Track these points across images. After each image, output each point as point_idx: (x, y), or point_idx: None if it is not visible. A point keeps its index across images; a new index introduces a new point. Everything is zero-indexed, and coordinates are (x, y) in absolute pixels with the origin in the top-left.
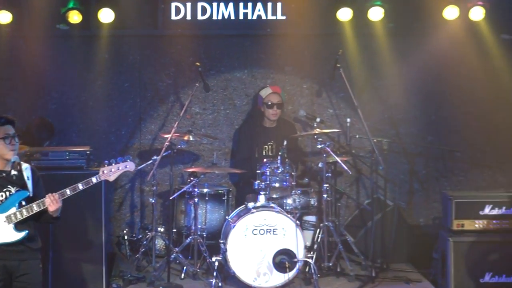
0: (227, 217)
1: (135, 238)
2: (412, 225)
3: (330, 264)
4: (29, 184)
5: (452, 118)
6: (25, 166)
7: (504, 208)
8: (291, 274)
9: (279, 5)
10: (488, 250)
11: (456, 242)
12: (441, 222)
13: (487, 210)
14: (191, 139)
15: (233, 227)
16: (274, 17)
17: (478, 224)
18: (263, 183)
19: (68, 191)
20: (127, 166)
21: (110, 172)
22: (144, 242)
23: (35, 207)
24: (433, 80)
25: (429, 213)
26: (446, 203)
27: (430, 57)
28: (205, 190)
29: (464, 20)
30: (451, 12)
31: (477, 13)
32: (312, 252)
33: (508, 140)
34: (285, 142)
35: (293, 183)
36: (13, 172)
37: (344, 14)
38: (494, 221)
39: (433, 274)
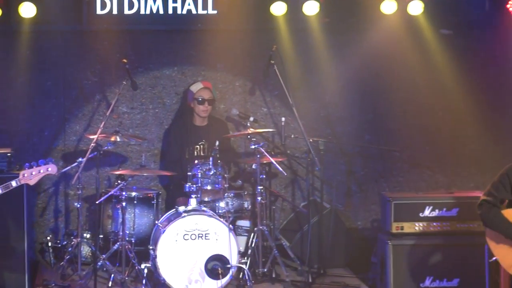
0: (156, 222)
1: (59, 245)
2: (350, 228)
3: (265, 270)
4: None
5: (390, 117)
6: None
7: (444, 209)
8: (224, 281)
9: None
10: (429, 254)
11: (396, 246)
12: (380, 225)
13: (427, 212)
14: (118, 140)
15: (163, 232)
16: (205, 12)
17: (418, 227)
18: (194, 185)
19: None
20: (49, 169)
21: (31, 175)
22: (69, 249)
23: None
24: (371, 77)
25: (367, 216)
26: (385, 205)
27: (367, 53)
28: (134, 194)
29: (402, 15)
30: (389, 7)
31: (416, 8)
32: (246, 258)
33: (448, 139)
34: (217, 142)
35: (225, 186)
36: None
37: (278, 9)
38: (434, 223)
39: (371, 279)
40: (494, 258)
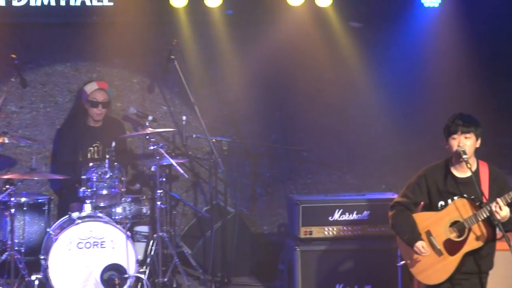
0: (48, 230)
1: None
2: (256, 233)
3: (165, 279)
4: None
5: (298, 114)
6: None
7: (355, 212)
8: None
9: None
10: (339, 259)
11: (304, 252)
12: (287, 230)
13: (337, 216)
14: (6, 141)
15: (55, 240)
16: (100, 3)
17: (328, 231)
18: (89, 190)
19: None
20: None
21: None
22: None
23: None
24: (277, 72)
25: (274, 220)
26: (292, 209)
27: (273, 47)
28: (23, 200)
29: (310, 7)
30: None
31: None
32: (145, 267)
33: (358, 138)
34: (113, 144)
35: (123, 190)
36: None
37: (179, 0)
38: (345, 227)
39: (279, 287)
40: (403, 262)
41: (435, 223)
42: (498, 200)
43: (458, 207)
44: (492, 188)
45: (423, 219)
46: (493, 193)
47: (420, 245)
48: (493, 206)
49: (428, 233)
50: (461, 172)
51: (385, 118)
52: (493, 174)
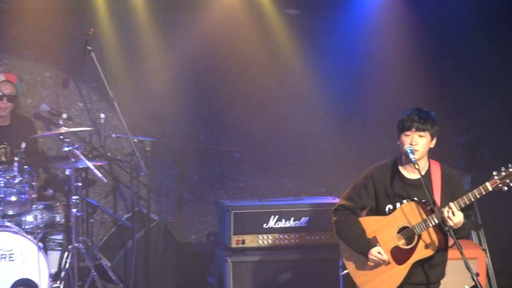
0: None
1: None
2: (182, 243)
3: None
4: None
5: (229, 111)
6: None
7: (292, 219)
8: None
9: None
10: (275, 271)
11: (236, 263)
12: (218, 239)
13: (272, 223)
14: None
15: None
16: None
17: (262, 240)
18: None
19: None
20: None
21: None
22: None
23: None
24: (207, 65)
25: (202, 228)
26: (223, 215)
27: (202, 38)
28: None
29: None
30: None
31: None
32: (59, 282)
33: (296, 137)
34: (23, 145)
35: (33, 196)
36: None
37: None
38: (281, 235)
39: None
40: (345, 272)
41: (381, 229)
42: (451, 204)
43: (406, 212)
44: (445, 190)
45: (368, 224)
46: (445, 197)
47: (377, 251)
48: (445, 211)
49: (374, 240)
50: (410, 173)
51: (326, 115)
52: (445, 175)
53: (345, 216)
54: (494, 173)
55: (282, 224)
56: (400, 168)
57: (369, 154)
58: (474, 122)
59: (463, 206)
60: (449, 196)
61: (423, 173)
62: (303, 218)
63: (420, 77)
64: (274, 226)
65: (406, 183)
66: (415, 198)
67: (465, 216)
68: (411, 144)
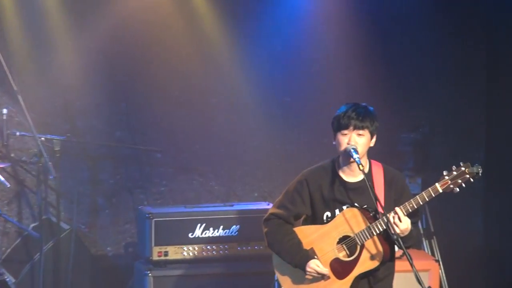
0: None
1: None
2: (97, 255)
3: None
4: None
5: (149, 106)
6: None
7: (221, 227)
8: None
9: None
10: (202, 286)
11: (158, 277)
12: (137, 250)
13: (198, 232)
14: None
15: None
16: None
17: (187, 251)
18: None
19: None
20: None
21: None
22: None
23: None
24: (123, 53)
25: (120, 239)
26: (143, 224)
27: (117, 22)
28: None
29: None
30: None
31: None
32: None
33: (226, 135)
34: None
35: None
36: None
37: None
38: (208, 246)
39: None
40: None
41: (319, 240)
42: (397, 209)
43: (347, 219)
44: (389, 194)
45: (304, 234)
46: (389, 201)
47: (315, 264)
48: (391, 217)
49: (312, 252)
50: (350, 176)
51: (259, 110)
52: (389, 177)
53: (278, 226)
54: (445, 172)
55: (210, 233)
56: (339, 171)
57: (307, 154)
58: (424, 118)
59: (410, 211)
60: (393, 200)
61: (363, 176)
62: (234, 226)
63: (364, 68)
64: (201, 236)
65: (346, 187)
66: (356, 204)
67: (412, 223)
68: (349, 144)
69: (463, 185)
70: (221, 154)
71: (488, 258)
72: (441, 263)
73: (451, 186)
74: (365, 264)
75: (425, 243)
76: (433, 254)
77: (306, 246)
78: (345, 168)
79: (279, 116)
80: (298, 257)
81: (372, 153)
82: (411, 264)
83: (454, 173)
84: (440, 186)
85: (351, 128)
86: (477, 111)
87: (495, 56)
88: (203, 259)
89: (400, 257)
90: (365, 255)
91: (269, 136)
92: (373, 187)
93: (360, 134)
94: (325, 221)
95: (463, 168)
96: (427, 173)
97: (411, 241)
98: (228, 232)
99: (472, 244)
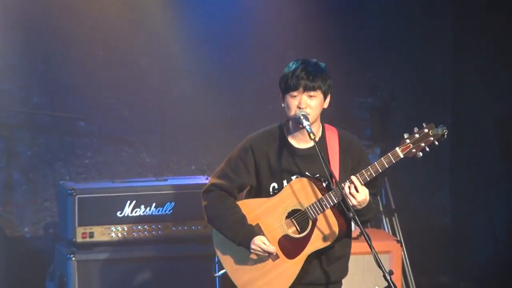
0: None
1: None
2: (13, 237)
3: None
4: None
5: (71, 67)
6: None
7: (154, 205)
8: None
9: None
10: (133, 272)
11: (82, 262)
12: (58, 232)
13: (128, 210)
14: None
15: None
16: None
17: (116, 232)
18: None
19: None
20: None
21: None
22: None
23: None
24: (41, 6)
25: (39, 218)
26: (65, 202)
27: None
28: None
29: None
30: None
31: None
32: None
33: (160, 100)
34: None
35: None
36: None
37: None
38: (140, 226)
39: None
40: (222, 272)
41: (266, 214)
42: (353, 178)
43: (297, 191)
44: (344, 162)
45: (249, 208)
46: (345, 170)
47: (261, 241)
48: (346, 187)
49: (258, 228)
50: (301, 142)
51: (195, 72)
52: (345, 143)
53: (219, 198)
54: (406, 135)
55: (141, 211)
56: (288, 136)
57: (251, 121)
58: (383, 79)
59: (368, 179)
60: (349, 169)
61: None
62: (168, 204)
63: (314, 24)
64: (131, 215)
65: (296, 154)
66: (307, 173)
67: (371, 195)
68: (299, 108)
69: (427, 149)
70: (153, 122)
71: (456, 237)
72: (403, 244)
73: (414, 150)
74: (317, 242)
75: (385, 221)
76: (394, 234)
77: (251, 221)
78: (295, 133)
79: (218, 79)
80: (242, 234)
81: (324, 120)
82: (370, 246)
83: (416, 135)
84: (401, 151)
85: (301, 89)
86: (443, 71)
87: (462, 6)
88: (133, 241)
89: (357, 238)
90: (317, 231)
91: (207, 101)
92: (327, 155)
93: (311, 96)
94: (271, 193)
95: (426, 130)
96: (387, 143)
97: (370, 214)
98: (162, 210)
99: (438, 222)
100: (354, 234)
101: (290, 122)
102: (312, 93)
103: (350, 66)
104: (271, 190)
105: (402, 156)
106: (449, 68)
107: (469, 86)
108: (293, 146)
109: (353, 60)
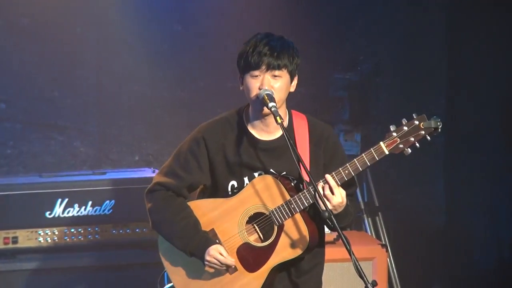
0: None
1: None
2: None
3: None
4: None
5: None
6: None
7: (90, 204)
8: None
9: None
10: (65, 284)
11: (4, 273)
12: None
13: (59, 210)
14: None
15: None
16: None
17: (44, 237)
18: None
19: None
20: None
21: None
22: None
23: None
24: None
25: None
26: None
27: None
28: None
29: None
30: None
31: None
32: None
33: (96, 78)
34: None
35: None
36: None
37: None
38: (73, 230)
39: None
40: (170, 286)
41: (222, 218)
42: (328, 177)
43: (260, 191)
44: (315, 156)
45: (202, 211)
46: (316, 165)
47: (217, 251)
48: (320, 188)
49: (213, 235)
50: (264, 133)
51: (139, 44)
52: (316, 133)
53: (165, 200)
54: (392, 128)
55: (75, 211)
56: (248, 125)
57: (206, 103)
58: (364, 51)
59: (346, 179)
60: (321, 164)
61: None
62: (107, 202)
63: None
64: (62, 216)
65: (258, 147)
66: (272, 170)
67: (348, 196)
68: (261, 89)
69: (417, 144)
70: (88, 104)
71: (451, 241)
72: (389, 248)
73: (401, 146)
74: (284, 251)
75: (367, 221)
76: (378, 237)
77: (205, 227)
78: (256, 122)
79: (166, 52)
80: (194, 243)
81: (293, 101)
82: (349, 251)
83: (405, 128)
84: (387, 146)
85: (264, 68)
86: (438, 41)
87: None
88: (65, 247)
89: (333, 242)
90: (284, 239)
91: (154, 78)
92: (295, 147)
93: (275, 76)
94: (230, 193)
95: (416, 122)
96: (369, 127)
97: (346, 220)
98: (99, 210)
99: (430, 222)
100: (330, 238)
101: (250, 107)
102: (276, 72)
103: (324, 35)
104: (229, 189)
105: (387, 152)
106: (443, 38)
107: (468, 62)
108: (255, 137)
109: (327, 28)
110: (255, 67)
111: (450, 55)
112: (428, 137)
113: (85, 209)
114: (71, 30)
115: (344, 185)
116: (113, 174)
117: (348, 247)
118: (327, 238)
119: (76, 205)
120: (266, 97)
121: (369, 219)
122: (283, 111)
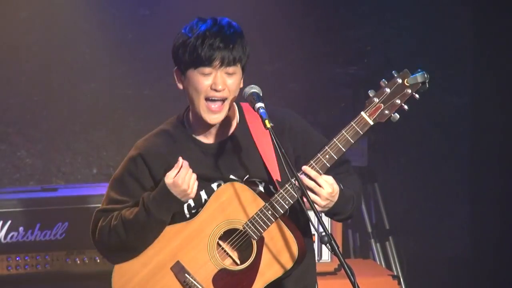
0: None
1: None
2: None
3: None
4: None
5: None
6: None
7: (38, 226)
8: None
9: None
10: None
11: None
12: None
13: (1, 234)
14: None
15: None
16: None
17: None
18: None
19: None
20: None
21: None
22: None
23: None
24: None
25: None
26: None
27: None
28: None
29: None
30: None
31: None
32: None
33: (44, 73)
34: None
35: None
36: None
37: None
38: (18, 258)
39: None
40: None
41: (187, 246)
42: (306, 168)
43: (226, 203)
44: (285, 147)
45: (160, 244)
46: (288, 159)
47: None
48: (305, 180)
49: (179, 269)
50: (211, 136)
51: (93, 32)
52: (277, 122)
53: (105, 220)
54: (371, 93)
55: (19, 236)
56: (193, 132)
57: (173, 102)
58: (371, 42)
59: (328, 166)
60: (292, 159)
61: (233, 129)
62: (59, 224)
63: None
64: (4, 241)
65: (209, 153)
66: (232, 176)
67: (341, 174)
68: (215, 90)
69: (405, 106)
70: (36, 106)
71: (477, 271)
72: (401, 280)
73: (386, 112)
74: (270, 269)
75: (375, 247)
76: (388, 267)
77: (167, 262)
78: (198, 125)
79: (131, 41)
80: (149, 206)
81: (283, 101)
82: (353, 284)
83: (387, 90)
84: (369, 116)
85: (217, 63)
86: (461, 32)
87: None
88: (8, 279)
89: (334, 272)
90: (267, 255)
91: (115, 74)
92: (254, 145)
93: (230, 73)
94: (187, 215)
95: (399, 80)
96: (378, 132)
97: (350, 205)
98: (50, 235)
99: (452, 249)
100: (331, 268)
101: (190, 112)
102: (231, 69)
103: (325, 23)
104: (186, 210)
105: (371, 122)
106: (469, 30)
107: (496, 58)
108: (202, 142)
109: (325, 13)
110: (207, 63)
111: (476, 48)
112: (417, 96)
113: (32, 234)
114: (15, 15)
115: (332, 168)
116: (66, 191)
117: (352, 278)
118: (327, 268)
119: (21, 229)
120: (255, 98)
121: (378, 244)
122: (232, 109)
